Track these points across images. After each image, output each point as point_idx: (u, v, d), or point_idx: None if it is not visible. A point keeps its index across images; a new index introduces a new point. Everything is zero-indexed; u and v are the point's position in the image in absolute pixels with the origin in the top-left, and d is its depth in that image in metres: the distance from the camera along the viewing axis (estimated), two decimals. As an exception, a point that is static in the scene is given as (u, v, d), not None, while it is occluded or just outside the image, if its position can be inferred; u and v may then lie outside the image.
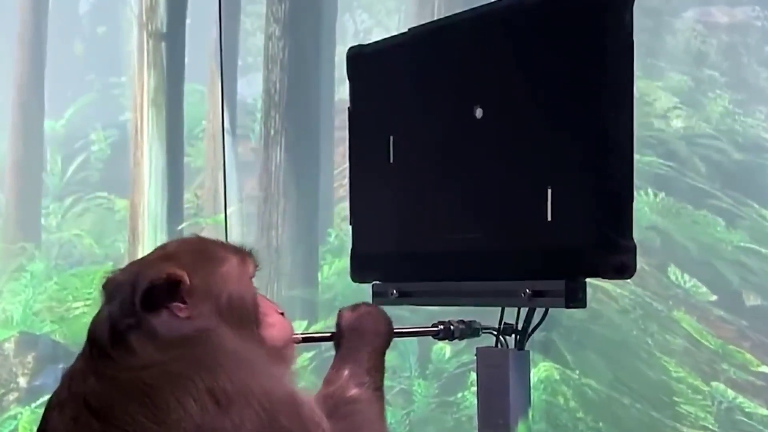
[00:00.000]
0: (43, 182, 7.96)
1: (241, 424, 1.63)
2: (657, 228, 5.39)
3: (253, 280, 1.93)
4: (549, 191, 2.20)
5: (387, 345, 2.11)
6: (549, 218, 2.20)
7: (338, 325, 2.11)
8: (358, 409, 1.97)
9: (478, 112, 2.35)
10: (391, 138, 2.63)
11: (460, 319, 2.42)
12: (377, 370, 2.05)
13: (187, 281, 1.75)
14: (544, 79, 2.24)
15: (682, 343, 5.29)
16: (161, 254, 1.84)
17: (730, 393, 5.15)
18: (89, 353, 1.75)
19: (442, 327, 2.40)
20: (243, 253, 1.91)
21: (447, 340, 2.44)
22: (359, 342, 2.07)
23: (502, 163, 2.34)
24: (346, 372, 2.02)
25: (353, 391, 1.99)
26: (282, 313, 1.96)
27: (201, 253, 1.85)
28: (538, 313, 2.43)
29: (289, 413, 1.70)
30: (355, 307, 2.13)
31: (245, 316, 1.84)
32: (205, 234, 6.82)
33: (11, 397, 7.25)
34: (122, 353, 1.70)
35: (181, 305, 1.75)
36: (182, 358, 1.68)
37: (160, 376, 1.64)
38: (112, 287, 1.81)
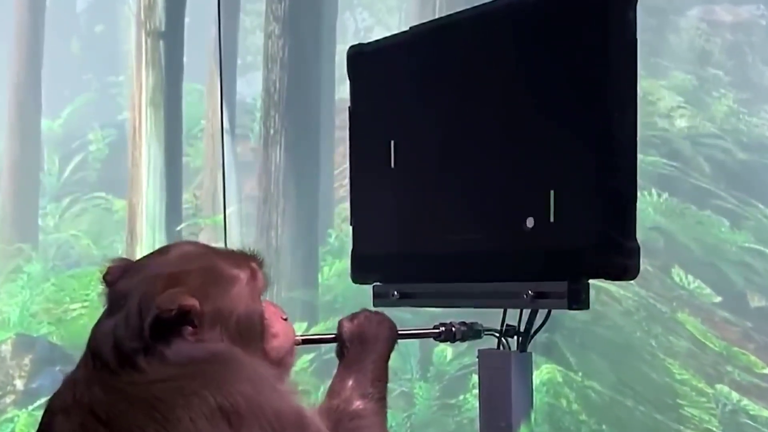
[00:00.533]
0: (40, 182, 7.96)
1: None
2: (660, 229, 5.39)
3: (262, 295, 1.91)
4: (551, 192, 2.18)
5: (391, 349, 2.10)
6: (551, 219, 2.19)
7: (339, 335, 2.09)
8: (362, 424, 1.97)
9: (530, 222, 2.28)
10: (392, 138, 2.61)
11: (462, 320, 2.39)
12: (381, 379, 2.04)
13: (198, 309, 1.72)
14: (546, 78, 2.22)
15: (686, 345, 5.28)
16: (169, 272, 1.77)
17: (735, 395, 5.15)
18: (92, 364, 1.72)
19: (443, 329, 2.37)
20: (252, 267, 1.87)
21: (448, 342, 2.42)
22: (362, 351, 2.05)
23: (504, 163, 2.33)
24: (350, 383, 2.01)
25: (357, 404, 1.98)
26: (285, 319, 1.94)
27: (211, 273, 1.80)
28: (541, 314, 2.40)
29: (296, 431, 1.70)
30: (353, 316, 2.11)
31: (252, 333, 1.82)
32: (203, 235, 7.00)
33: (8, 399, 7.24)
34: (129, 371, 1.68)
35: (191, 329, 1.72)
36: (193, 375, 1.66)
37: (170, 391, 1.63)
38: (116, 294, 1.77)
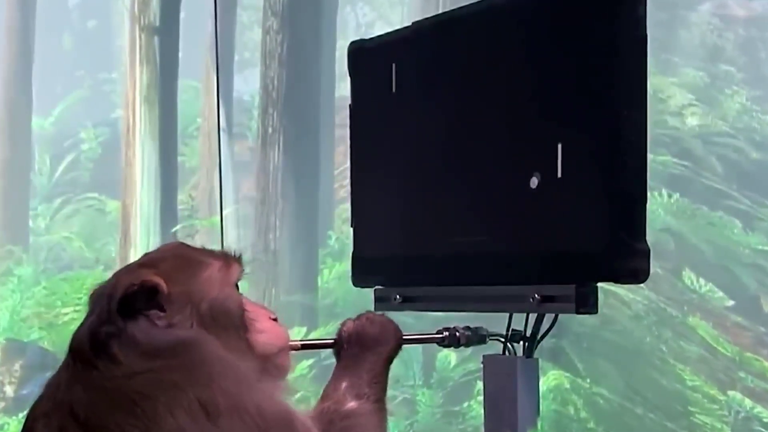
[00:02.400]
0: (31, 183, 7.98)
1: None
2: (671, 230, 5.36)
3: (239, 284, 1.89)
4: (559, 192, 2.17)
5: (393, 354, 2.08)
6: (558, 221, 2.17)
7: (339, 334, 2.07)
8: (355, 423, 1.95)
9: (533, 182, 2.26)
10: (394, 136, 2.60)
11: (466, 325, 2.37)
12: (378, 380, 2.01)
13: (164, 288, 1.74)
14: (553, 75, 2.20)
15: (697, 351, 5.24)
16: (141, 262, 1.85)
17: (748, 402, 5.10)
18: (73, 363, 1.74)
19: (447, 333, 2.34)
20: (227, 257, 1.89)
21: (452, 348, 2.39)
22: (360, 351, 2.03)
23: (509, 162, 2.30)
24: (344, 384, 1.99)
25: (351, 404, 1.96)
26: (275, 319, 1.90)
27: (181, 258, 1.84)
28: (548, 319, 2.38)
29: (282, 430, 1.68)
30: (358, 316, 2.10)
31: (228, 322, 1.81)
32: (199, 237, 7.07)
33: (-2, 406, 7.29)
34: (106, 362, 1.69)
35: (160, 313, 1.74)
36: (171, 367, 1.67)
37: (149, 385, 1.63)
38: (94, 298, 1.81)
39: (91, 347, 1.70)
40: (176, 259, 1.82)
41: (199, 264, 1.83)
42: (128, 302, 1.72)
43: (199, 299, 1.78)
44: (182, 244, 1.92)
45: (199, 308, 1.77)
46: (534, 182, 2.23)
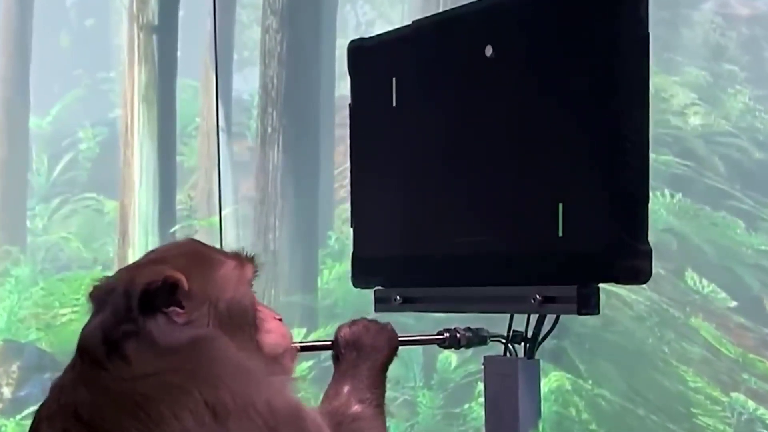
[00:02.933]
0: (29, 183, 7.98)
1: None
2: (674, 230, 5.37)
3: (252, 284, 1.89)
4: (561, 192, 2.15)
5: (389, 360, 2.09)
6: (560, 221, 2.15)
7: (336, 340, 2.09)
8: (361, 426, 1.97)
9: (488, 50, 2.28)
10: (395, 136, 2.58)
11: (467, 326, 2.36)
12: (377, 386, 2.03)
13: (185, 284, 1.72)
14: (555, 74, 2.18)
15: (700, 352, 5.25)
16: (154, 258, 1.82)
17: (751, 404, 5.11)
18: (80, 363, 1.72)
19: (447, 334, 2.33)
20: (241, 257, 1.88)
21: (453, 349, 2.38)
22: (357, 358, 2.05)
23: (511, 162, 2.29)
24: (346, 388, 2.01)
25: (356, 408, 1.99)
26: (280, 319, 1.90)
27: (196, 256, 1.82)
28: (549, 320, 2.36)
29: (292, 427, 1.68)
30: (353, 323, 2.10)
31: (243, 321, 1.80)
32: (198, 238, 7.06)
33: (-5, 408, 7.28)
34: (117, 363, 1.67)
35: (179, 310, 1.72)
36: (179, 368, 1.65)
37: (155, 387, 1.62)
38: (101, 295, 1.77)
39: (103, 347, 1.68)
40: (191, 255, 1.81)
41: (216, 262, 1.81)
42: (148, 298, 1.69)
43: (217, 297, 1.77)
44: (195, 240, 1.91)
45: (216, 306, 1.76)
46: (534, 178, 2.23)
